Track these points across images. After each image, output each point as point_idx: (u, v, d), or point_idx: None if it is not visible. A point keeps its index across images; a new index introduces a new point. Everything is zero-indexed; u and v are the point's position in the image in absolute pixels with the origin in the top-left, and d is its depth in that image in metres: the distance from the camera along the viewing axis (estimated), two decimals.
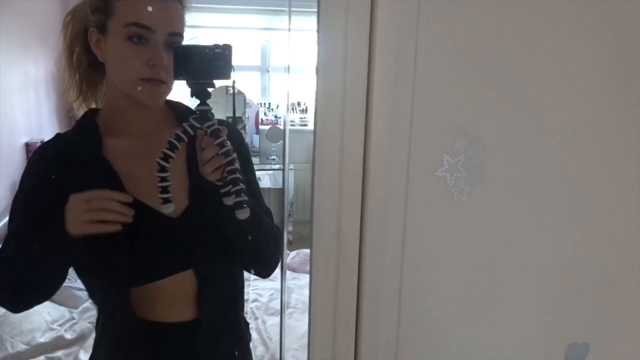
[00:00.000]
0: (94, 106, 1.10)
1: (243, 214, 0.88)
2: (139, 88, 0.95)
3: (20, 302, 1.00)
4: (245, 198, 0.89)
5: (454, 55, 0.71)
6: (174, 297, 1.03)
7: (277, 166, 4.41)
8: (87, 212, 0.87)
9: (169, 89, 0.99)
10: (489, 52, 0.72)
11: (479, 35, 0.71)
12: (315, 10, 0.64)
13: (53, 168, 0.99)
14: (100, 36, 0.97)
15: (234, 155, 0.89)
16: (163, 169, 0.89)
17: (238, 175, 0.89)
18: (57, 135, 1.05)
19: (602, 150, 0.80)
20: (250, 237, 1.00)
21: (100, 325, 1.09)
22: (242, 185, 0.89)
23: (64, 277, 0.98)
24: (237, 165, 0.89)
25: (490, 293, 0.80)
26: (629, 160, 0.81)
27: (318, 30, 0.64)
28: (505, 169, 0.76)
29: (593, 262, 0.83)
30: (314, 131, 0.67)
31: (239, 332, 1.15)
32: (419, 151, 0.72)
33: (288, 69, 0.76)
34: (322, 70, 0.65)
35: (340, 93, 0.67)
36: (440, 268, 0.77)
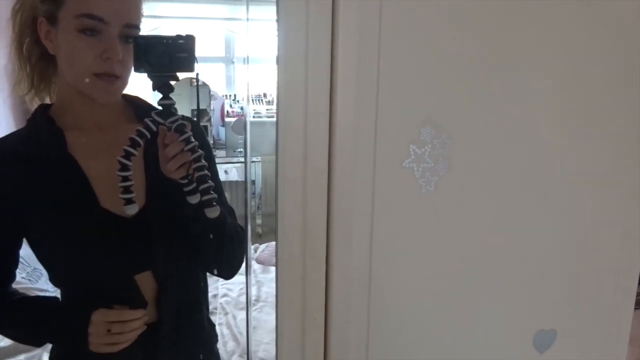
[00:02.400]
0: (47, 100, 1.04)
1: (213, 212, 0.85)
2: (87, 80, 0.90)
3: None
4: (215, 196, 0.86)
5: (419, 43, 0.70)
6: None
7: (243, 159, 4.35)
8: (109, 337, 0.92)
9: (124, 84, 0.94)
10: (454, 39, 0.71)
11: (444, 22, 0.70)
12: None
13: (12, 169, 0.93)
14: (50, 27, 0.91)
15: (200, 152, 0.86)
16: (125, 168, 0.85)
17: (206, 172, 0.86)
18: (10, 134, 1.00)
19: (568, 139, 0.80)
20: (213, 237, 0.97)
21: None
22: (210, 183, 0.86)
23: None
24: (204, 162, 0.86)
25: (459, 283, 0.79)
26: (595, 148, 0.82)
27: (278, 20, 0.62)
28: (472, 158, 0.75)
29: (560, 250, 0.83)
30: (276, 123, 0.64)
31: (202, 334, 1.11)
32: (385, 142, 0.71)
33: (247, 60, 0.73)
34: (283, 60, 0.63)
35: (303, 84, 0.64)
36: (409, 260, 0.76)
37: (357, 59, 0.66)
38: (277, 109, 0.64)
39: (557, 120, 0.79)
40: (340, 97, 0.67)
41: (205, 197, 0.85)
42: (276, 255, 0.68)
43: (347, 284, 0.73)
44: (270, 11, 0.64)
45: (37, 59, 0.99)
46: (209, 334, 1.14)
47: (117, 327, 0.92)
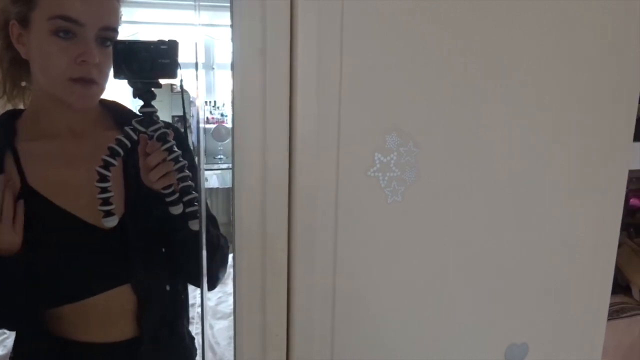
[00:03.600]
0: (21, 106, 0.99)
1: (197, 224, 0.82)
2: (61, 85, 0.86)
3: None
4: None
5: (384, 48, 0.67)
6: (108, 315, 0.95)
7: (224, 165, 4.30)
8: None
9: (101, 90, 0.90)
10: (421, 44, 0.69)
11: (410, 26, 0.68)
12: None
13: None
14: (23, 30, 0.87)
15: (184, 161, 0.82)
16: (104, 179, 0.82)
17: (190, 182, 0.82)
18: None
19: (538, 147, 0.78)
20: (195, 248, 0.93)
21: (19, 345, 0.99)
22: (194, 194, 0.82)
23: None
24: (187, 172, 0.82)
25: (428, 296, 0.77)
26: (566, 157, 0.80)
27: (232, 25, 0.59)
28: (439, 167, 0.73)
29: (531, 262, 0.81)
30: (232, 131, 0.61)
31: (183, 349, 1.07)
32: (349, 150, 0.68)
33: (196, 66, 0.70)
34: (238, 66, 0.60)
35: (260, 90, 0.61)
36: (375, 273, 0.73)
37: (317, 64, 0.63)
38: (233, 115, 0.61)
39: (528, 127, 0.77)
40: (301, 103, 0.64)
41: (189, 209, 0.82)
42: (233, 270, 0.65)
43: (309, 299, 0.70)
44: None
45: (8, 64, 0.94)
46: (189, 349, 1.10)
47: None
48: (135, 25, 4.07)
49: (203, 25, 4.37)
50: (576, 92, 0.78)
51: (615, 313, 1.56)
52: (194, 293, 3.21)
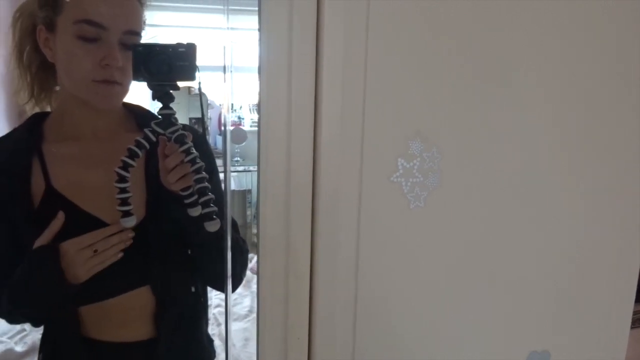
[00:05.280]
0: (48, 109, 1.01)
1: (213, 226, 0.83)
2: (86, 86, 0.88)
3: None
4: (215, 209, 0.83)
5: (408, 55, 0.67)
6: (127, 316, 0.96)
7: (241, 168, 4.32)
8: (93, 258, 0.87)
9: (125, 91, 0.92)
10: (444, 50, 0.69)
11: (434, 33, 0.68)
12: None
13: None
14: (49, 34, 0.89)
15: (201, 163, 0.83)
16: (122, 179, 0.83)
17: (206, 184, 0.83)
18: None
19: (561, 152, 0.78)
20: (214, 251, 0.94)
21: (45, 344, 1.01)
22: (210, 195, 0.83)
23: None
24: (204, 174, 0.83)
25: (449, 304, 0.76)
26: (590, 162, 0.79)
27: (260, 29, 0.59)
28: (462, 173, 0.73)
29: (553, 269, 0.81)
30: (258, 135, 0.62)
31: (201, 351, 1.08)
32: (372, 155, 0.68)
33: (224, 69, 0.70)
34: (265, 71, 0.61)
35: (286, 95, 0.62)
36: (396, 277, 0.73)
37: (342, 70, 0.63)
38: (259, 118, 0.62)
39: (550, 132, 0.76)
40: (325, 109, 0.64)
41: (206, 210, 0.83)
42: (257, 274, 0.66)
43: (331, 302, 0.70)
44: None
45: (37, 68, 0.97)
46: (207, 350, 1.10)
47: (101, 244, 0.87)
48: (154, 28, 4.12)
49: (219, 29, 4.41)
50: (599, 93, 0.78)
51: (638, 322, 1.54)
52: (209, 294, 3.22)
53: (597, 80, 0.77)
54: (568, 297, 0.83)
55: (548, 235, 0.79)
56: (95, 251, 0.86)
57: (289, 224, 0.66)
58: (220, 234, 0.87)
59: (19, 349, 2.41)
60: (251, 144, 4.03)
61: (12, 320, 0.99)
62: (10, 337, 2.49)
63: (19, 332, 2.54)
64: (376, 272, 0.72)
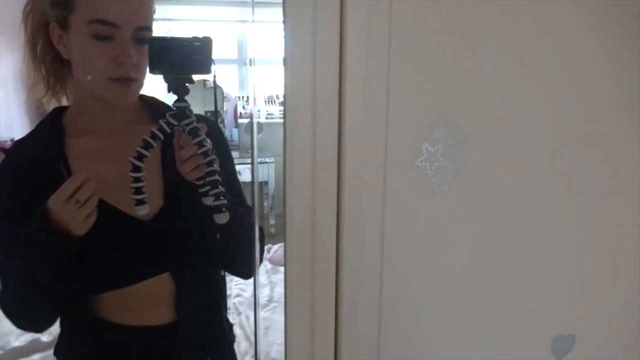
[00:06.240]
0: (64, 100, 1.03)
1: (222, 218, 0.84)
2: (101, 84, 0.89)
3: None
4: (224, 201, 0.85)
5: (431, 40, 0.67)
6: (149, 301, 0.99)
7: (258, 160, 4.34)
8: (81, 209, 0.83)
9: (140, 86, 0.94)
10: (467, 36, 0.69)
11: (457, 18, 0.68)
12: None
13: (18, 176, 0.93)
14: (63, 32, 0.91)
15: (213, 155, 0.84)
16: (137, 169, 0.85)
17: (217, 177, 0.84)
18: (18, 141, 0.99)
19: (586, 141, 0.77)
20: (229, 239, 0.95)
21: (66, 327, 1.03)
22: (221, 188, 0.84)
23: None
24: (216, 166, 0.84)
25: (474, 288, 0.77)
26: (613, 152, 0.79)
27: (284, 21, 0.60)
28: (487, 157, 0.73)
29: (577, 253, 0.81)
30: (284, 124, 0.63)
31: (221, 334, 1.11)
32: (397, 140, 0.68)
33: (250, 62, 0.71)
34: (290, 60, 0.61)
35: (311, 83, 0.63)
36: (421, 263, 0.74)
37: (366, 57, 0.64)
38: (285, 109, 0.62)
39: (577, 122, 0.76)
40: (350, 96, 0.65)
41: (215, 203, 0.84)
42: (285, 258, 0.67)
43: (357, 287, 0.71)
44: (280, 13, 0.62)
45: (51, 61, 0.98)
46: (227, 335, 1.13)
47: (81, 194, 0.83)
48: (169, 23, 4.14)
49: (235, 21, 4.42)
50: (630, 87, 0.77)
51: None
52: (229, 284, 3.26)
53: (626, 70, 0.76)
54: (594, 281, 0.82)
55: (574, 220, 0.79)
56: (78, 202, 0.83)
57: (315, 211, 0.67)
58: (232, 224, 0.88)
59: (44, 338, 2.47)
60: (267, 136, 4.04)
61: (23, 314, 0.96)
62: None
63: None
64: (401, 256, 0.72)
